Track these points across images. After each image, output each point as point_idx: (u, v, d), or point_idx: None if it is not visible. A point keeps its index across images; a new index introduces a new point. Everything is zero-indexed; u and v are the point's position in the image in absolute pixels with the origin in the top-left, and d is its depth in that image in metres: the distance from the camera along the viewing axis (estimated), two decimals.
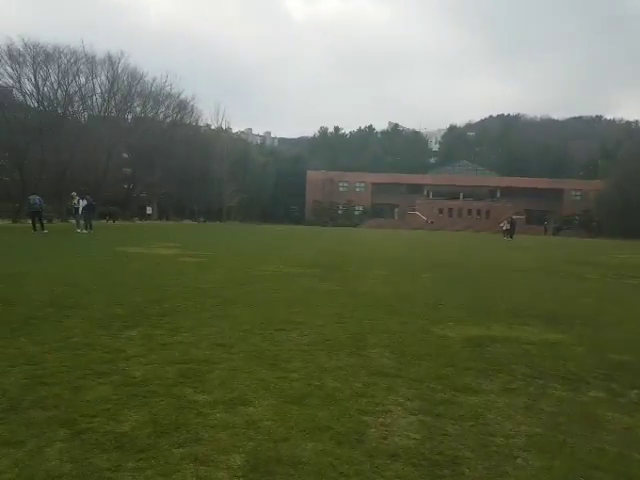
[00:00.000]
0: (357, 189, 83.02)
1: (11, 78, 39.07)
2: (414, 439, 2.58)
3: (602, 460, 2.45)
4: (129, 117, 53.98)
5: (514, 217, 47.10)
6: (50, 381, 3.15)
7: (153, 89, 53.33)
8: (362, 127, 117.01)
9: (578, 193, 78.69)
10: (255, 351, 4.02)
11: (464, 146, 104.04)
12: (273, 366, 3.65)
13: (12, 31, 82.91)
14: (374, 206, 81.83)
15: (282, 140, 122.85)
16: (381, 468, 2.28)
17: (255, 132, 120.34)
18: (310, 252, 16.11)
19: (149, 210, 55.19)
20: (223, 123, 72.73)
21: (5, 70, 38.65)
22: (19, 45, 38.52)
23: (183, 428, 2.58)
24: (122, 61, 47.88)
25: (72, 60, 42.03)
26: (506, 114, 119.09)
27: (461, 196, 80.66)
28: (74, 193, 25.44)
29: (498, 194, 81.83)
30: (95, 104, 48.73)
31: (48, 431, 2.49)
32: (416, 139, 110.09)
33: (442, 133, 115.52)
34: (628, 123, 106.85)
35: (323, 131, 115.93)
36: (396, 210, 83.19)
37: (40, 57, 39.57)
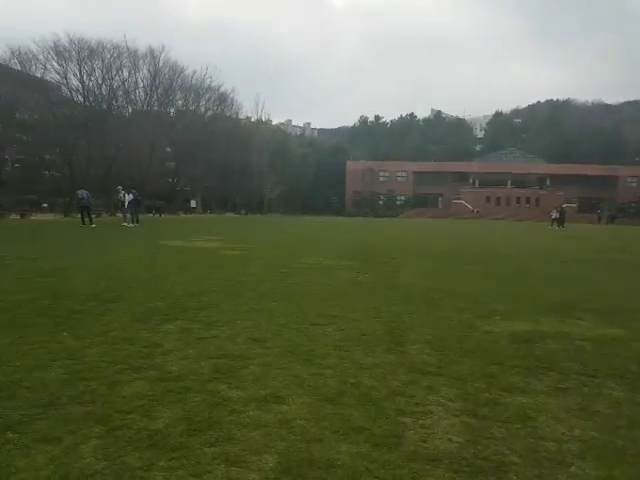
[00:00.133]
0: (398, 178, 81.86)
1: (58, 74, 40.86)
2: (456, 442, 2.45)
3: None
4: (171, 111, 55.23)
5: (564, 206, 45.18)
6: (88, 376, 3.20)
7: (193, 82, 54.27)
8: (403, 115, 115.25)
9: (634, 179, 74.84)
10: (290, 346, 3.96)
11: (510, 133, 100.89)
12: (307, 362, 3.58)
13: (59, 27, 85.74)
14: (417, 195, 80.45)
15: (322, 131, 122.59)
16: (420, 473, 2.17)
17: (295, 123, 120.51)
18: (350, 244, 16.02)
19: (193, 203, 56.44)
20: (263, 115, 73.50)
21: (52, 66, 40.43)
22: (65, 41, 40.09)
23: (216, 426, 2.55)
24: (163, 55, 48.84)
25: (115, 54, 43.33)
26: (555, 99, 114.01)
27: (509, 184, 78.12)
28: (119, 187, 26.30)
29: (548, 182, 78.73)
30: (138, 98, 50.03)
31: (84, 427, 2.51)
32: (460, 126, 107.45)
33: (487, 120, 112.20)
34: None
35: (363, 120, 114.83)
36: (440, 199, 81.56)
37: (84, 52, 40.93)
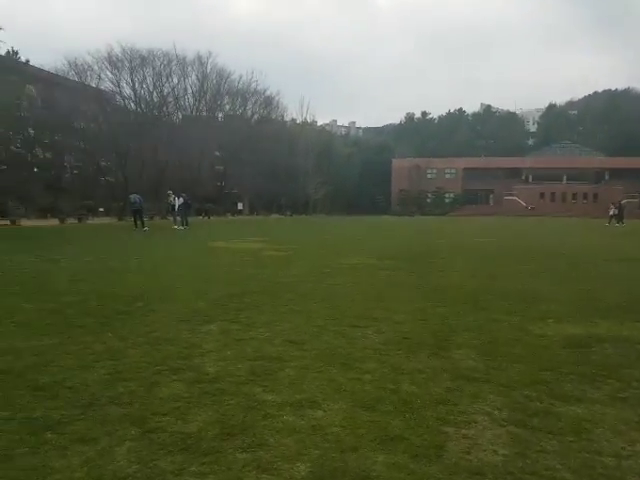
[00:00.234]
0: (447, 175, 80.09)
1: (112, 83, 43.24)
2: (502, 455, 2.29)
3: None
4: (219, 115, 56.70)
5: (623, 201, 42.65)
6: (128, 377, 3.25)
7: (240, 87, 55.71)
8: (451, 110, 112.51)
9: None
10: (328, 349, 3.89)
11: (565, 125, 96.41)
12: (345, 366, 3.49)
13: (112, 38, 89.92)
14: (466, 192, 78.37)
15: (367, 130, 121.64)
16: None
17: (339, 123, 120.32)
18: (395, 243, 15.82)
19: (240, 206, 57.59)
20: (308, 116, 73.98)
21: (106, 75, 42.79)
22: (117, 51, 42.33)
23: (249, 431, 2.51)
24: (210, 60, 50.42)
25: (165, 62, 45.25)
26: (614, 88, 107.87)
27: (564, 179, 74.72)
28: (170, 191, 27.20)
29: (606, 176, 74.73)
30: (187, 104, 51.96)
31: (120, 429, 2.53)
32: (511, 120, 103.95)
33: (540, 113, 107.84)
34: None
35: (409, 117, 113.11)
36: (491, 196, 79.11)
37: (136, 61, 43.19)
